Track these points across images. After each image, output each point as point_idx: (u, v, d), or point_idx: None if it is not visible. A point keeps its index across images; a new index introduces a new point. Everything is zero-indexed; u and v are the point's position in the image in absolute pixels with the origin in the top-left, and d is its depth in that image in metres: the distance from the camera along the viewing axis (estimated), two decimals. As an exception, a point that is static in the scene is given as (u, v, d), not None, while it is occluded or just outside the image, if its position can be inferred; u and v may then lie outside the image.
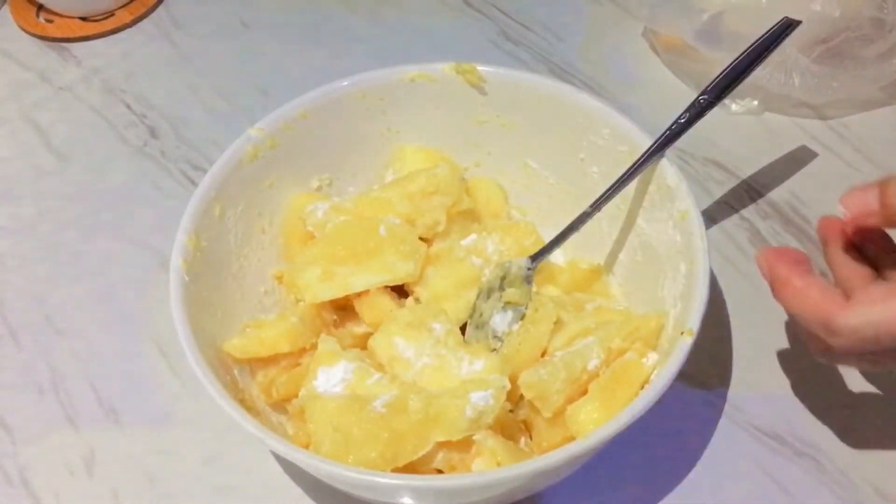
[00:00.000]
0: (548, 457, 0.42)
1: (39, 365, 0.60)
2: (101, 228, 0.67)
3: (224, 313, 0.52)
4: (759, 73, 0.68)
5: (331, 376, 0.48)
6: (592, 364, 0.49)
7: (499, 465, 0.45)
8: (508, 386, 0.47)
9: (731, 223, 0.65)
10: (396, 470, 0.45)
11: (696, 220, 0.49)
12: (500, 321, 0.53)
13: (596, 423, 0.46)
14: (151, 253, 0.65)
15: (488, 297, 0.54)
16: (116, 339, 0.61)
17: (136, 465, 0.55)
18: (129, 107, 0.75)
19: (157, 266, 0.64)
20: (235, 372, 0.51)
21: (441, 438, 0.45)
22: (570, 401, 0.48)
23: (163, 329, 0.60)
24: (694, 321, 0.45)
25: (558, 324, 0.51)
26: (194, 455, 0.55)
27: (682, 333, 0.45)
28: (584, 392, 0.48)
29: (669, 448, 0.54)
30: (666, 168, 0.52)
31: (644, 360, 0.49)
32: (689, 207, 0.50)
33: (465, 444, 0.46)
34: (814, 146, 0.69)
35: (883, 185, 0.43)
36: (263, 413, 0.51)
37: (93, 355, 0.60)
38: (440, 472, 0.47)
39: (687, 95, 0.71)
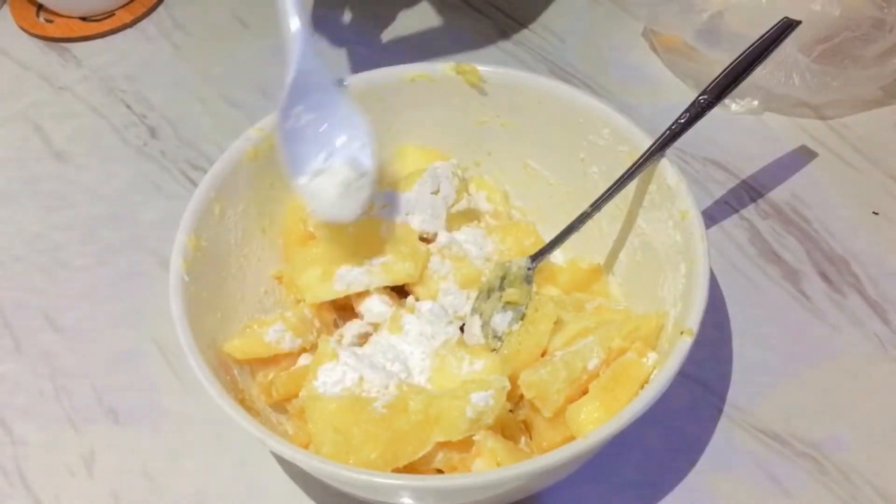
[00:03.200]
0: (548, 456, 0.42)
1: (39, 365, 0.60)
2: (100, 228, 0.67)
3: (224, 313, 0.52)
4: (759, 73, 0.68)
5: (331, 376, 0.48)
6: (592, 364, 0.49)
7: (499, 465, 0.45)
8: (508, 386, 0.47)
9: (731, 223, 0.65)
10: (397, 470, 0.45)
11: (697, 221, 0.49)
12: (500, 321, 0.53)
13: (596, 422, 0.46)
14: (151, 253, 0.65)
15: (488, 297, 0.54)
16: (116, 339, 0.61)
17: (136, 465, 0.55)
18: (129, 107, 0.75)
19: (157, 266, 0.64)
20: (235, 372, 0.51)
21: (441, 439, 0.45)
22: (571, 400, 0.48)
23: (163, 329, 0.60)
24: (694, 321, 0.45)
25: (558, 324, 0.51)
26: (194, 455, 0.55)
27: (681, 333, 0.45)
28: (585, 392, 0.48)
29: (669, 448, 0.54)
30: (666, 168, 0.52)
31: (644, 359, 0.49)
32: (689, 207, 0.50)
33: (465, 444, 0.46)
34: (814, 146, 0.69)
35: None
36: (263, 413, 0.51)
37: (93, 355, 0.60)
38: (440, 472, 0.47)
39: (687, 95, 0.71)
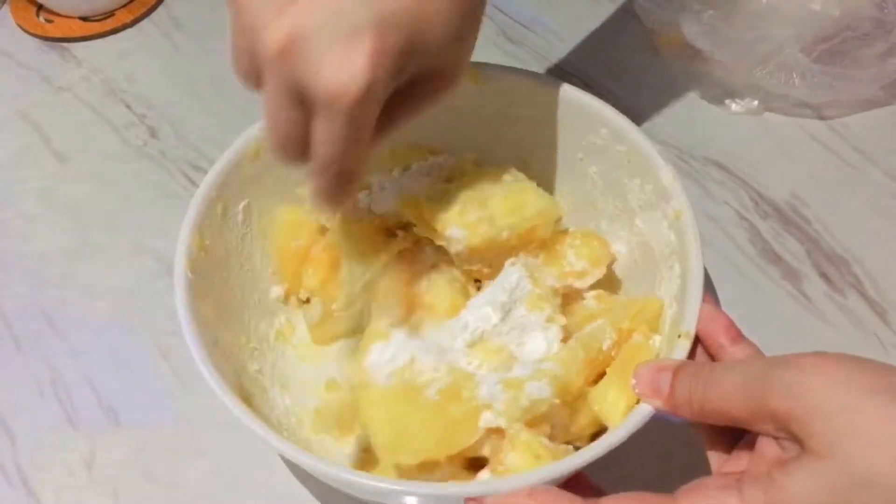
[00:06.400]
0: (590, 449, 0.42)
1: (39, 365, 0.60)
2: (100, 228, 0.67)
3: (227, 311, 0.52)
4: (759, 73, 0.68)
5: (382, 356, 0.48)
6: (606, 344, 0.48)
7: (536, 458, 0.44)
8: (563, 376, 0.47)
9: (731, 223, 0.65)
10: (451, 458, 0.44)
11: (690, 220, 0.48)
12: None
13: (624, 405, 0.45)
14: (151, 253, 0.65)
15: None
16: (116, 339, 0.61)
17: (136, 465, 0.55)
18: (129, 107, 0.75)
19: (157, 266, 0.64)
20: (238, 372, 0.51)
21: (493, 426, 0.45)
22: (588, 383, 0.48)
23: (163, 329, 0.60)
24: (689, 323, 0.45)
25: (568, 312, 0.51)
26: (194, 455, 0.56)
27: (679, 337, 0.45)
28: (601, 374, 0.48)
29: (669, 449, 0.54)
30: (661, 167, 0.51)
31: (651, 342, 0.49)
32: (683, 207, 0.49)
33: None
34: (814, 146, 0.69)
35: (676, 371, 0.41)
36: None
37: (93, 355, 0.60)
38: (486, 458, 0.46)
39: (687, 95, 0.72)
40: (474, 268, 0.53)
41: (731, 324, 0.44)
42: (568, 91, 0.56)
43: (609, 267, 0.58)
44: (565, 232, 0.55)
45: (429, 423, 0.44)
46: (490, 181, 0.53)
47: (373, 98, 0.35)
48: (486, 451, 0.46)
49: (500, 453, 0.46)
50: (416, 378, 0.47)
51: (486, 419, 0.45)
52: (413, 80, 0.39)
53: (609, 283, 0.58)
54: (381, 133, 0.40)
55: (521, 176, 0.55)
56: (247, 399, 0.48)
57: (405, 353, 0.47)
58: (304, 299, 0.57)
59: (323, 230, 0.56)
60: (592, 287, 0.56)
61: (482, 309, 0.49)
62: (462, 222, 0.51)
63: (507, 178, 0.54)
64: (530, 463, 0.45)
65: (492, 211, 0.52)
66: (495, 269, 0.53)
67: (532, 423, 0.47)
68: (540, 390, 0.45)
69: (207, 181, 0.52)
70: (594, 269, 0.53)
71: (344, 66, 0.33)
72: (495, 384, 0.45)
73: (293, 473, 0.54)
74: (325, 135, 0.36)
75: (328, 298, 0.55)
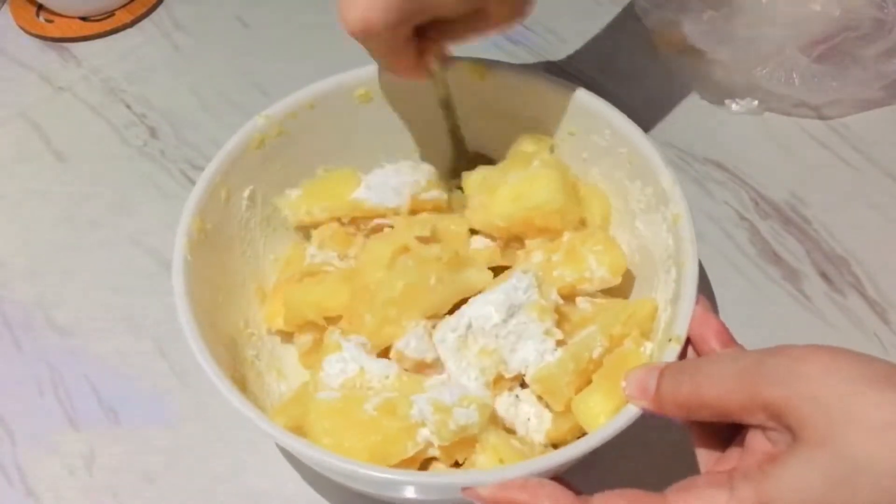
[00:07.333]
0: (566, 450, 0.42)
1: (39, 365, 0.60)
2: (100, 228, 0.67)
3: (226, 297, 0.52)
4: (759, 73, 0.68)
5: (334, 367, 0.48)
6: (597, 353, 0.48)
7: (501, 461, 0.45)
8: (491, 405, 0.48)
9: (731, 223, 0.65)
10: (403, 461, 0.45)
11: (688, 225, 0.48)
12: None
13: (604, 413, 0.45)
14: (151, 253, 0.65)
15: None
16: (116, 338, 0.61)
17: (136, 465, 0.55)
18: (129, 107, 0.75)
19: (157, 266, 0.64)
20: (233, 356, 0.51)
21: (429, 441, 0.46)
22: (577, 391, 0.48)
23: (163, 329, 0.60)
24: (681, 327, 0.45)
25: (561, 316, 0.51)
26: (194, 455, 0.55)
27: (669, 341, 0.45)
28: (589, 381, 0.48)
29: (668, 450, 0.54)
30: (661, 171, 0.51)
31: (641, 349, 0.49)
32: (681, 211, 0.49)
33: (455, 445, 0.46)
34: (814, 146, 0.69)
35: (662, 370, 0.41)
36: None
37: (93, 355, 0.60)
38: (435, 459, 0.47)
39: (688, 96, 0.72)
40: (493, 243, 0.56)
41: (724, 328, 0.44)
42: (573, 91, 0.56)
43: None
44: (585, 233, 0.55)
45: (363, 436, 0.45)
46: (518, 165, 0.55)
47: (378, 31, 0.47)
48: (433, 453, 0.47)
49: (473, 454, 0.47)
50: (366, 386, 0.48)
51: (424, 435, 0.46)
52: (477, 9, 0.49)
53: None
54: (451, 39, 0.52)
55: (550, 161, 0.55)
56: (241, 383, 0.48)
57: (354, 364, 0.48)
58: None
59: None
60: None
61: (484, 307, 0.49)
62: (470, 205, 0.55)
63: (535, 163, 0.55)
64: (495, 465, 0.45)
65: (496, 197, 0.54)
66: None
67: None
68: (468, 417, 0.45)
69: (211, 167, 0.53)
70: (613, 277, 0.53)
71: (349, 11, 0.47)
72: (426, 405, 0.46)
73: (294, 474, 0.54)
74: (368, 52, 0.51)
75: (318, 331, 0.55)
